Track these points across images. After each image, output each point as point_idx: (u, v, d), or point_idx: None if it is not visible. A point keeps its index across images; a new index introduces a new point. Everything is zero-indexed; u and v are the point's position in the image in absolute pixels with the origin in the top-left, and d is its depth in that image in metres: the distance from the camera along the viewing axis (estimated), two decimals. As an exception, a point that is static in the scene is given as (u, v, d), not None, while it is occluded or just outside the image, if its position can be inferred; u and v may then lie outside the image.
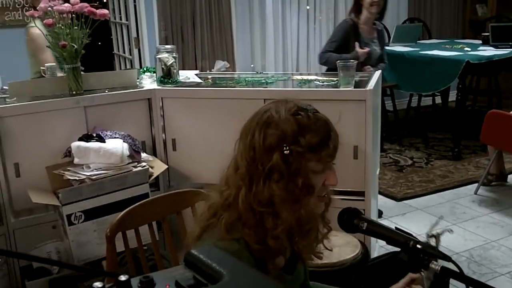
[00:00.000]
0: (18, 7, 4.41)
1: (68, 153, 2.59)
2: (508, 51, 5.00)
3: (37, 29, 3.02)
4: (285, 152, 1.21)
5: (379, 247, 3.21)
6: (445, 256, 1.06)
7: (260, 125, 1.25)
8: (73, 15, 2.62)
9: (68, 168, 2.54)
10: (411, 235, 1.15)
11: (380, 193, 3.89)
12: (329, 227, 1.36)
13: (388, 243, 1.15)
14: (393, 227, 1.20)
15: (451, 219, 3.80)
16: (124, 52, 5.41)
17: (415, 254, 1.10)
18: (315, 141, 1.22)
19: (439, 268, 1.06)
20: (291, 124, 1.23)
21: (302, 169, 1.22)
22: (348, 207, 1.22)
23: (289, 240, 1.26)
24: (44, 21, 2.62)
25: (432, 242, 1.11)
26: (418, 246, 1.09)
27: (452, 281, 1.12)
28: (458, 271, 1.03)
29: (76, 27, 2.62)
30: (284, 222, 1.22)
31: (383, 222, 3.04)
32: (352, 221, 1.19)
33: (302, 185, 1.22)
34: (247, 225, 1.25)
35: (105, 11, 2.74)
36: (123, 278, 0.60)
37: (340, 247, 2.21)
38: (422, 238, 1.19)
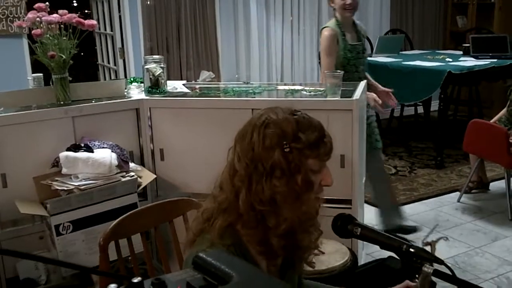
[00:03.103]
0: (2, 17, 4.38)
1: (56, 163, 2.58)
2: (488, 62, 5.11)
3: (328, 30, 3.31)
4: (285, 149, 1.24)
5: (365, 255, 3.24)
6: (437, 259, 1.09)
7: (258, 126, 1.29)
8: (61, 26, 2.63)
9: (56, 178, 2.53)
10: (404, 239, 1.18)
11: (365, 201, 3.92)
12: (320, 230, 1.39)
13: (381, 247, 1.18)
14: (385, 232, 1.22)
15: (436, 230, 3.85)
16: (109, 63, 5.40)
17: (409, 258, 1.13)
18: (313, 138, 1.27)
19: (431, 271, 1.08)
20: (290, 123, 1.27)
21: (302, 166, 1.25)
22: (342, 213, 1.25)
23: (291, 239, 1.28)
24: (32, 32, 2.61)
25: (428, 249, 1.14)
26: (411, 250, 1.12)
27: (444, 283, 1.15)
28: (450, 274, 1.06)
29: (64, 38, 2.63)
30: (286, 219, 1.25)
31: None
32: (346, 226, 1.21)
33: (302, 181, 1.26)
34: (248, 226, 1.26)
35: (93, 21, 2.75)
36: (136, 280, 0.61)
37: (329, 254, 2.24)
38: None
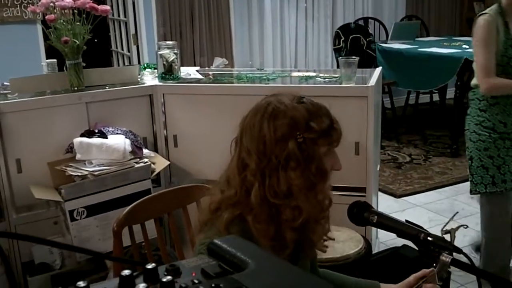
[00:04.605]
0: (16, 3, 4.39)
1: (70, 149, 2.58)
2: (506, 49, 5.01)
3: (485, 17, 2.57)
4: (299, 140, 1.21)
5: (379, 243, 3.22)
6: (456, 248, 1.07)
7: (266, 118, 1.24)
8: (75, 11, 2.62)
9: (70, 164, 2.53)
10: (421, 227, 1.16)
11: (379, 189, 3.90)
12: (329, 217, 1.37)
13: (398, 235, 1.16)
14: (403, 220, 1.20)
15: (450, 216, 3.81)
16: (122, 49, 5.40)
17: (426, 246, 1.11)
18: (325, 125, 1.24)
19: (449, 260, 1.06)
20: (300, 111, 1.23)
21: (315, 155, 1.23)
22: (358, 201, 1.23)
23: (304, 231, 1.26)
24: (46, 17, 2.61)
25: (447, 237, 1.12)
26: (429, 238, 1.10)
27: (460, 273, 1.13)
28: (469, 263, 1.04)
29: (78, 23, 2.62)
30: (303, 211, 1.22)
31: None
32: (362, 214, 1.19)
33: (316, 171, 1.23)
34: (260, 221, 1.23)
35: (107, 7, 2.74)
36: (150, 266, 0.60)
37: (344, 242, 2.22)
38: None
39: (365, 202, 1.22)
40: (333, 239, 1.39)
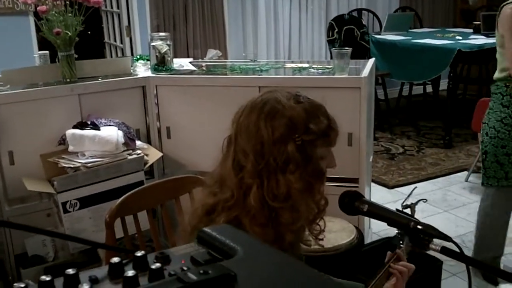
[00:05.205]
0: (8, -6, 4.36)
1: (63, 140, 2.58)
2: (499, 40, 5.02)
3: None
4: (297, 142, 1.19)
5: (372, 234, 3.24)
6: (445, 236, 1.08)
7: (263, 117, 1.20)
8: (67, 2, 2.60)
9: (63, 156, 2.53)
10: (412, 216, 1.17)
11: (372, 180, 3.92)
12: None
13: (389, 224, 1.17)
14: (394, 209, 1.21)
15: (443, 206, 3.84)
16: (115, 41, 5.37)
17: (416, 235, 1.12)
18: (323, 126, 1.22)
19: (439, 248, 1.07)
20: (298, 112, 1.20)
21: (313, 156, 1.21)
22: (348, 190, 1.23)
23: (302, 231, 1.25)
24: (37, 8, 2.59)
25: (408, 212, 1.13)
26: (419, 227, 1.11)
27: (452, 262, 1.14)
28: (458, 251, 1.05)
29: (70, 14, 2.60)
30: (303, 214, 1.21)
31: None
32: (353, 203, 1.20)
33: (313, 172, 1.22)
34: (258, 224, 1.20)
35: (99, -3, 2.72)
36: (139, 253, 0.60)
37: (336, 232, 2.23)
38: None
39: (356, 191, 1.22)
40: (323, 238, 1.38)
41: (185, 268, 0.59)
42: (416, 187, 1.51)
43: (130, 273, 0.56)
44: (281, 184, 1.19)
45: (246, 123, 1.22)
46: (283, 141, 1.19)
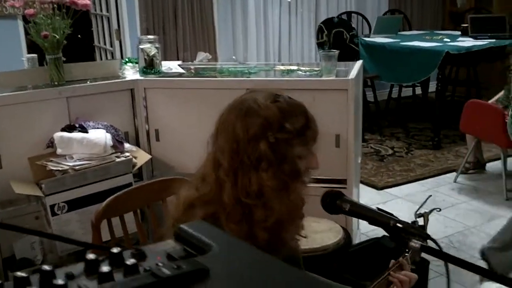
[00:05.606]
0: (-4, -2, 4.35)
1: (51, 143, 2.58)
2: (487, 42, 5.08)
3: None
4: (270, 140, 1.20)
5: (360, 234, 3.26)
6: (425, 235, 1.09)
7: (240, 117, 1.23)
8: (55, 6, 2.61)
9: (51, 159, 2.53)
10: (392, 215, 1.18)
11: (361, 182, 3.94)
12: (303, 214, 1.35)
13: (370, 223, 1.18)
14: (375, 208, 1.23)
15: (431, 207, 3.85)
16: (105, 44, 5.37)
17: (397, 233, 1.13)
18: (299, 125, 1.23)
19: (418, 246, 1.09)
20: (273, 111, 1.22)
21: (288, 155, 1.22)
22: (331, 190, 1.25)
23: (277, 230, 1.26)
24: (25, 12, 2.60)
25: (421, 221, 1.14)
26: (399, 225, 1.12)
27: (439, 262, 1.15)
28: (438, 248, 1.06)
29: (57, 17, 2.61)
30: (275, 211, 1.21)
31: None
32: (335, 202, 1.21)
33: (289, 171, 1.22)
34: (232, 220, 1.22)
35: (87, 1, 2.73)
36: (115, 250, 0.61)
37: (323, 232, 2.25)
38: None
39: (339, 191, 1.24)
40: (305, 237, 1.38)
41: (160, 264, 0.60)
42: (430, 196, 1.51)
43: (105, 269, 0.57)
44: (253, 181, 1.20)
45: (225, 122, 1.26)
46: (256, 139, 1.20)
